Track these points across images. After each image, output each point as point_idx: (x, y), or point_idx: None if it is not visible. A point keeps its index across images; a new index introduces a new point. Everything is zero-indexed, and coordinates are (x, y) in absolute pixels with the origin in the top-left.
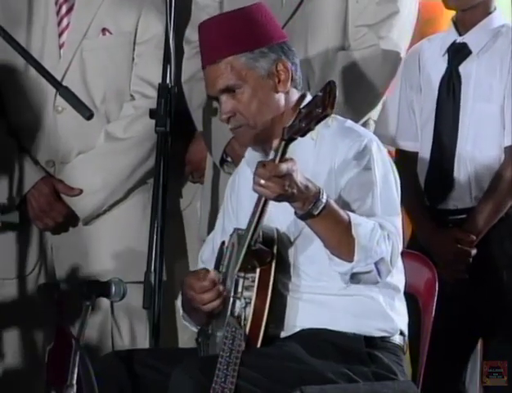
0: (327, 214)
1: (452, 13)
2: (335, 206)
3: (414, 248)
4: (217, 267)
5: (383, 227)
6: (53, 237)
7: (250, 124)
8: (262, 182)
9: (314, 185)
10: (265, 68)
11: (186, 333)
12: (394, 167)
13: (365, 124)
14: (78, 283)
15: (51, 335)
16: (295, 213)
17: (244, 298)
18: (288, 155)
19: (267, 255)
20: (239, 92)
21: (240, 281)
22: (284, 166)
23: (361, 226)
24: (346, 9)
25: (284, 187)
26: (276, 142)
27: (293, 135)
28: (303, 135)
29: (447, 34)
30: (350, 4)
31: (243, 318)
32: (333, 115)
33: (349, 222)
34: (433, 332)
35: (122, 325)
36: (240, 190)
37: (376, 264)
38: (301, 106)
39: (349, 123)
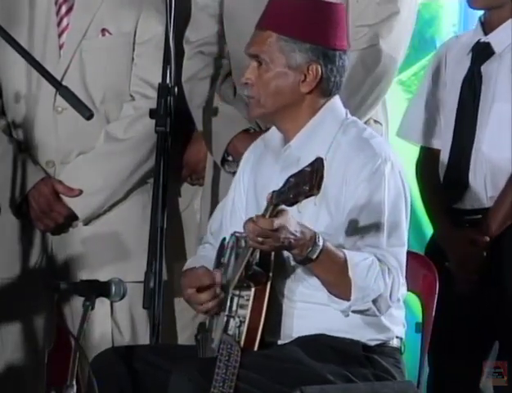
0: (324, 257)
1: (449, 14)
2: (332, 248)
3: (435, 248)
4: (218, 261)
5: (382, 261)
6: (53, 237)
7: (261, 102)
8: (259, 239)
9: (310, 230)
10: (297, 62)
11: (186, 333)
12: (407, 187)
13: (365, 124)
14: (78, 283)
15: (51, 335)
16: (294, 258)
17: (239, 316)
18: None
19: (262, 277)
20: (264, 69)
21: (235, 299)
22: (276, 222)
23: (358, 266)
24: (346, 9)
25: (279, 240)
26: (289, 126)
27: (280, 202)
28: (290, 205)
29: (474, 33)
30: (350, 4)
31: (237, 336)
32: (354, 118)
33: (346, 261)
34: (447, 333)
35: (122, 325)
36: (257, 170)
37: (374, 301)
38: (290, 175)
39: (368, 133)
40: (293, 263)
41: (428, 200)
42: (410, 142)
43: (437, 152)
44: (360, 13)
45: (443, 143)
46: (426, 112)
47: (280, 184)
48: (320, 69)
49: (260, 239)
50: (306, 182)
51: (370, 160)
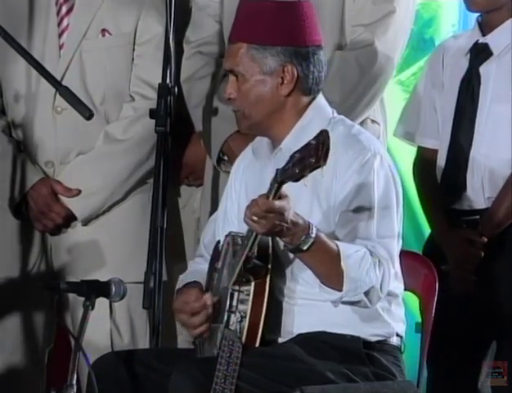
0: (316, 249)
1: (449, 14)
2: (325, 240)
3: (432, 249)
4: (211, 266)
5: (374, 253)
6: (52, 237)
7: (245, 114)
8: (254, 217)
9: (304, 221)
10: (271, 66)
11: (186, 333)
12: (398, 181)
13: (362, 124)
14: (78, 283)
15: (51, 335)
16: (285, 246)
17: (239, 312)
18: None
19: (261, 270)
20: (241, 81)
21: (235, 294)
22: (277, 204)
23: (351, 258)
24: (343, 8)
25: (273, 224)
26: (278, 130)
27: (285, 179)
28: (296, 181)
29: (472, 34)
30: (347, 3)
31: (238, 331)
32: (341, 117)
33: (338, 253)
34: (444, 333)
35: (121, 325)
36: (247, 177)
37: (366, 293)
38: (294, 151)
39: (356, 129)
40: (290, 261)
41: (425, 200)
42: (407, 142)
43: (434, 152)
44: (356, 13)
45: (441, 144)
46: (423, 112)
47: None
48: (295, 68)
49: (255, 218)
50: (312, 155)
51: (359, 153)
